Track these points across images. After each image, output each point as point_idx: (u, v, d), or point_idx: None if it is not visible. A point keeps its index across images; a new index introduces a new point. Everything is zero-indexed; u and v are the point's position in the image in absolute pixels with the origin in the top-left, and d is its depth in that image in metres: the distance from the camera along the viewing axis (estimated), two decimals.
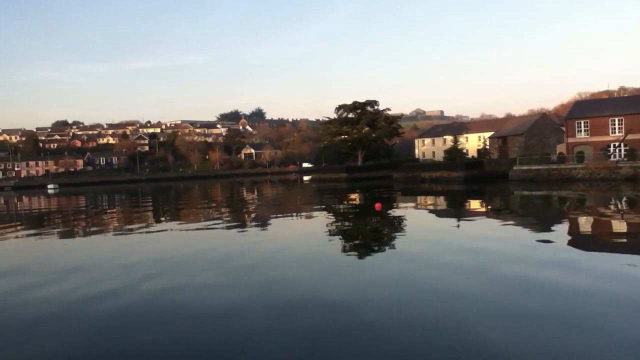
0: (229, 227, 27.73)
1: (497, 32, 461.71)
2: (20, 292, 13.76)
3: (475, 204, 37.98)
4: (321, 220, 29.48)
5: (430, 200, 42.76)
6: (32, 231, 30.07)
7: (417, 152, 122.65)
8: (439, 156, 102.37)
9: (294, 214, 35.61)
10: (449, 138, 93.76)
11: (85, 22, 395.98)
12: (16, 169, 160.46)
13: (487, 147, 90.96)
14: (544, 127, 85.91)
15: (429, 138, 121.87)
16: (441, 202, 40.13)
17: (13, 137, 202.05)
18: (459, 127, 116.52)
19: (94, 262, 17.75)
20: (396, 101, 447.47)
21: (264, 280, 13.73)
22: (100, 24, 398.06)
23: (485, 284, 12.27)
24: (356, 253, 18.19)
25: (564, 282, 12.23)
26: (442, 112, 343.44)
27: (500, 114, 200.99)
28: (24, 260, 19.08)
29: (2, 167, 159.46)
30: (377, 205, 34.50)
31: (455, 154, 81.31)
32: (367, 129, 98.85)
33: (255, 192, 67.27)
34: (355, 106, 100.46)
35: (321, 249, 18.83)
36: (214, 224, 29.20)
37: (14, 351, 9.26)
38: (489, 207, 36.44)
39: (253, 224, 29.80)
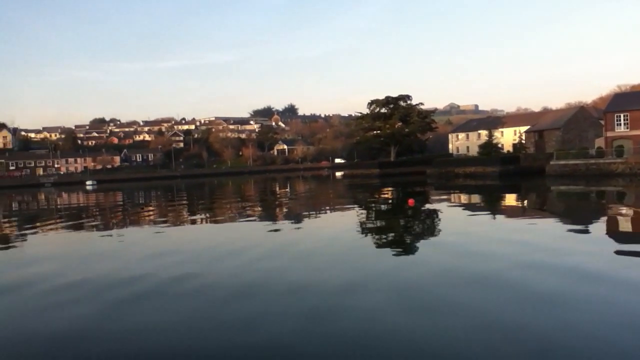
0: (258, 221, 28.08)
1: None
2: (50, 278, 14.68)
3: (510, 200, 37.26)
4: (351, 215, 29.43)
5: (464, 196, 42.11)
6: (69, 223, 30.91)
7: (451, 147, 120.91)
8: (474, 151, 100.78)
9: (325, 208, 35.59)
10: (484, 132, 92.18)
11: (120, 22, 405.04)
12: (56, 165, 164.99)
13: (523, 141, 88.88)
14: (582, 120, 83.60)
15: (463, 133, 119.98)
16: (476, 199, 39.49)
17: (53, 135, 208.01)
18: (494, 121, 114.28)
19: (120, 252, 19.13)
20: (429, 96, 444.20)
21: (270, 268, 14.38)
22: (134, 24, 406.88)
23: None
24: (376, 246, 18.12)
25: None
26: (476, 106, 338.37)
27: (537, 108, 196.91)
28: (58, 251, 20.23)
29: (43, 164, 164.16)
30: (410, 201, 34.23)
31: (490, 149, 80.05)
32: (399, 124, 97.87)
33: (288, 188, 67.58)
34: (388, 101, 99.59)
35: (335, 242, 19.11)
36: (244, 219, 29.55)
37: (41, 327, 9.94)
38: (526, 204, 35.77)
39: (282, 218, 29.89)
